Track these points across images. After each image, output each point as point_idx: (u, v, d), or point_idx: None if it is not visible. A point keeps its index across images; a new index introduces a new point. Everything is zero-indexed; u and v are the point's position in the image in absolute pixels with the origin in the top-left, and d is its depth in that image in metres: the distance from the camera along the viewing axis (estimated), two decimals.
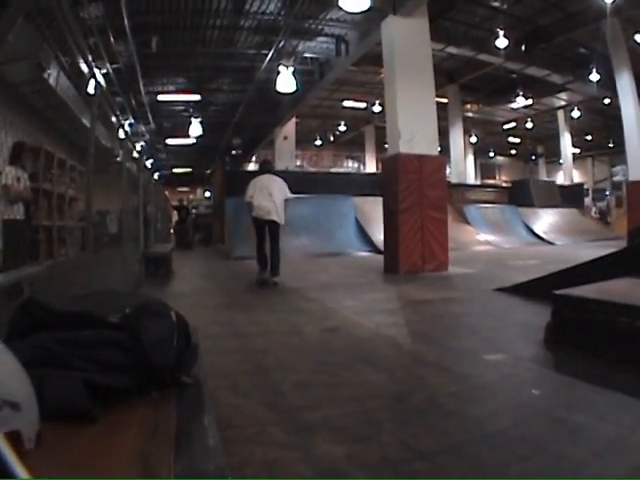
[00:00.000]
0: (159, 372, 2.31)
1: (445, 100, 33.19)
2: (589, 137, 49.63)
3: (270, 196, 12.59)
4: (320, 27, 22.16)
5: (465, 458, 3.62)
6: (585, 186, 47.20)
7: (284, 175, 14.30)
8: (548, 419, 4.25)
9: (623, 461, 3.49)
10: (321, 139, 51.37)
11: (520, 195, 31.33)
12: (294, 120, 34.34)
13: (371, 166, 47.78)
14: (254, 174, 13.35)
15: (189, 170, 56.14)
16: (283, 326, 7.90)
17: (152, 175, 25.81)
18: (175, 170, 54.39)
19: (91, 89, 8.15)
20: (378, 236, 18.60)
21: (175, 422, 2.07)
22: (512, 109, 38.55)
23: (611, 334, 5.71)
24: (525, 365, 5.56)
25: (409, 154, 14.44)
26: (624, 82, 25.14)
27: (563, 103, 39.26)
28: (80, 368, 2.11)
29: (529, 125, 44.31)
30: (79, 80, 15.61)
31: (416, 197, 14.40)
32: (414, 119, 14.75)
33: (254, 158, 48.86)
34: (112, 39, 18.59)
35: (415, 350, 6.44)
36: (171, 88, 29.36)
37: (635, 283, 7.11)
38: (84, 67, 7.53)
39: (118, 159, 11.12)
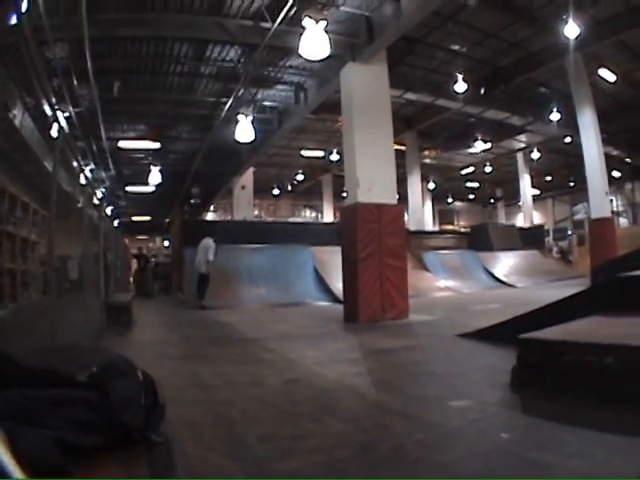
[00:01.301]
0: (128, 431, 2.29)
1: (403, 147, 33.46)
2: (549, 177, 50.48)
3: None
4: (279, 75, 22.42)
5: None
6: (546, 226, 47.78)
7: (243, 226, 14.43)
8: (518, 461, 4.23)
9: None
10: (279, 188, 51.66)
11: (479, 240, 31.55)
12: (252, 169, 34.26)
13: (329, 215, 48.12)
14: (213, 224, 13.47)
15: (148, 218, 56.17)
16: (245, 377, 7.81)
17: (112, 222, 25.81)
18: (134, 218, 54.35)
19: (54, 132, 8.17)
20: (337, 285, 18.56)
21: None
22: (470, 154, 39.03)
23: (579, 374, 5.71)
24: (492, 409, 5.54)
25: (368, 203, 14.44)
26: (586, 118, 25.54)
27: (522, 145, 39.88)
28: (51, 426, 2.10)
29: (488, 169, 44.98)
30: (42, 122, 15.60)
31: (375, 246, 14.40)
32: (372, 167, 14.80)
33: (212, 207, 49.09)
34: (75, 81, 18.46)
35: (379, 399, 6.40)
36: (131, 134, 29.34)
37: (600, 321, 7.15)
38: (47, 109, 7.59)
39: (79, 205, 11.07)
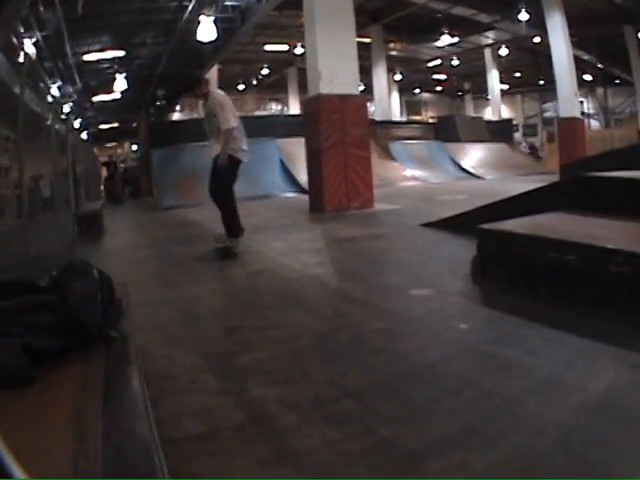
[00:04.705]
0: (87, 329, 2.39)
1: (368, 40, 33.05)
2: (518, 74, 50.11)
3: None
4: None
5: (394, 394, 3.63)
6: (515, 122, 47.64)
7: None
8: (477, 354, 4.27)
9: (560, 400, 3.48)
10: (244, 83, 51.25)
11: (446, 131, 31.34)
12: (217, 67, 33.85)
13: (295, 108, 47.73)
14: (179, 124, 12.90)
15: (116, 125, 55.54)
16: (210, 274, 7.89)
17: (80, 134, 25.52)
18: (102, 126, 53.73)
19: (21, 59, 8.22)
20: (303, 177, 18.45)
21: (103, 375, 2.18)
22: (437, 47, 38.56)
23: (540, 268, 5.73)
24: (452, 299, 5.56)
25: (330, 94, 14.29)
26: (555, 21, 25.52)
27: (490, 41, 39.41)
28: (17, 334, 2.22)
29: (455, 62, 44.40)
30: (12, 53, 15.40)
31: (338, 136, 14.29)
32: (334, 60, 14.58)
33: (178, 107, 48.64)
34: (42, 9, 18.23)
35: (341, 288, 6.47)
36: (97, 47, 28.77)
37: (564, 217, 7.14)
38: (14, 40, 7.60)
39: (48, 123, 11.01)
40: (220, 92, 9.71)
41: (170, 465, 1.84)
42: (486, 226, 6.51)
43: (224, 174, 9.25)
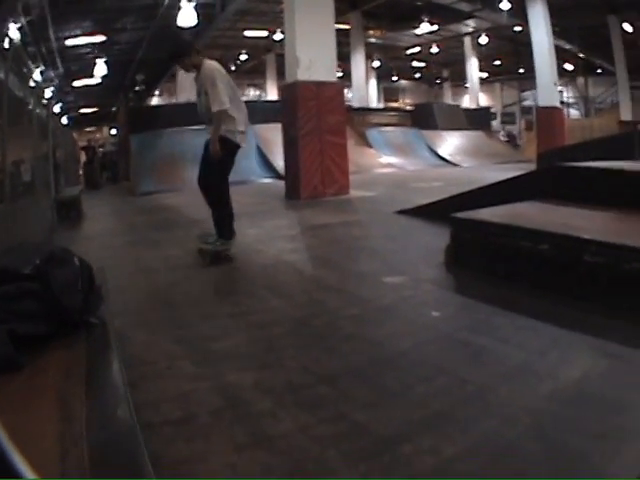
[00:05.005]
0: (69, 315, 2.50)
1: (347, 27, 33.01)
2: (498, 62, 50.12)
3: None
4: None
5: (367, 380, 3.68)
6: (494, 110, 47.72)
7: (187, 108, 14.11)
8: (450, 341, 4.33)
9: (533, 387, 3.52)
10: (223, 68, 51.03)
11: (423, 118, 31.14)
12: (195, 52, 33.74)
13: (272, 93, 47.64)
14: (157, 109, 12.66)
15: (95, 109, 55.33)
16: (188, 259, 7.90)
17: (61, 119, 25.45)
18: (82, 111, 53.50)
19: (6, 44, 8.21)
20: (280, 162, 18.41)
21: (85, 361, 2.31)
22: (416, 35, 38.48)
23: (514, 258, 5.77)
24: (425, 287, 5.61)
25: (307, 81, 14.28)
26: (536, 10, 25.61)
27: (470, 30, 39.32)
28: (2, 320, 2.30)
29: (434, 50, 44.29)
30: None
31: (315, 123, 14.29)
32: (312, 46, 14.58)
33: (157, 92, 48.56)
34: None
35: (316, 275, 6.52)
36: (78, 32, 28.64)
37: (539, 207, 7.17)
38: None
39: (30, 107, 11.00)
40: (213, 63, 7.80)
41: (149, 449, 1.88)
42: (459, 215, 6.55)
43: (218, 162, 7.62)
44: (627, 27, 31.57)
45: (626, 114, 35.06)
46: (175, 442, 2.97)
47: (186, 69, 8.18)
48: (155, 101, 48.58)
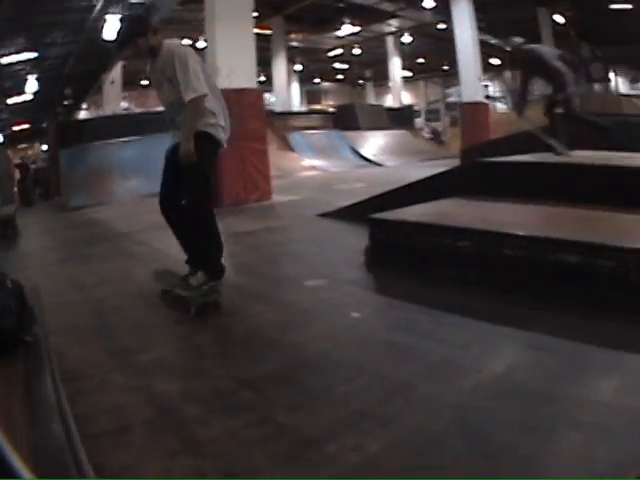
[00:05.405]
0: (6, 335, 2.69)
1: (269, 32, 33.00)
2: (422, 60, 50.39)
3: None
4: None
5: (290, 383, 3.80)
6: (417, 107, 48.01)
7: (113, 120, 13.99)
8: (370, 341, 4.46)
9: (456, 382, 3.59)
10: (147, 79, 50.92)
11: (346, 119, 31.19)
12: (121, 63, 33.63)
13: None
14: (85, 122, 12.41)
15: (27, 126, 54.89)
16: (117, 273, 7.89)
17: None
18: (16, 128, 53.06)
19: None
20: None
21: (23, 378, 2.48)
22: (338, 37, 38.55)
23: (434, 256, 5.84)
24: (346, 289, 5.69)
25: (227, 89, 14.22)
26: (460, 7, 25.76)
27: (393, 29, 39.27)
28: None
29: (357, 51, 44.35)
30: None
31: (235, 130, 14.28)
32: (233, 54, 14.68)
33: (84, 105, 48.33)
34: None
35: (237, 282, 6.59)
36: (12, 50, 28.42)
37: (461, 203, 7.26)
38: None
39: None
40: (176, 42, 6.20)
41: (93, 460, 1.90)
42: (376, 215, 6.64)
43: (199, 169, 5.69)
44: (559, 19, 31.88)
45: None
46: (115, 452, 3.03)
47: (140, 53, 6.39)
48: (83, 115, 48.33)
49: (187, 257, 6.32)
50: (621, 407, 3.24)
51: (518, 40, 11.13)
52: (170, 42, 6.01)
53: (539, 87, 13.17)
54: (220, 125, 6.14)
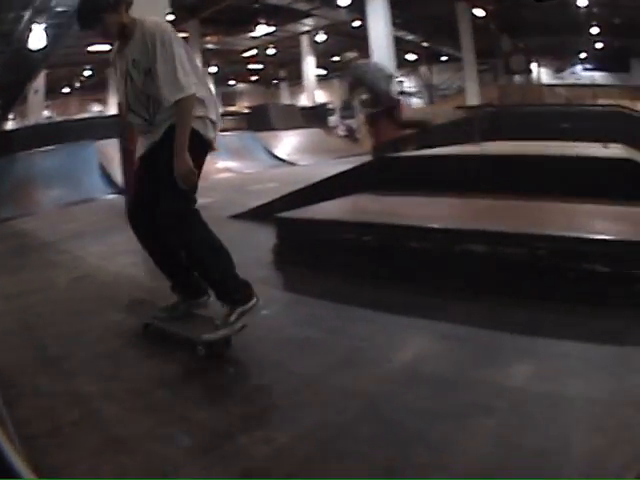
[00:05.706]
0: None
1: (186, 35, 32.81)
2: (337, 58, 50.38)
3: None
4: None
5: (201, 381, 4.02)
6: (332, 105, 47.97)
7: (36, 130, 13.78)
8: (278, 337, 4.66)
9: (364, 373, 3.78)
10: (69, 86, 50.31)
11: (259, 120, 31.12)
12: (44, 72, 33.17)
13: (114, 108, 47.11)
14: (11, 133, 12.07)
15: None
16: (39, 282, 7.76)
17: None
18: None
19: None
20: (120, 178, 18.39)
21: None
22: (253, 37, 38.46)
23: (339, 252, 5.97)
24: (255, 287, 5.71)
25: None
26: (375, 4, 25.69)
27: (308, 28, 39.24)
28: None
29: (271, 51, 44.36)
30: None
31: None
32: None
33: (11, 116, 47.71)
34: None
35: (153, 286, 6.55)
36: None
37: (368, 199, 7.40)
38: None
39: None
40: (154, 19, 4.92)
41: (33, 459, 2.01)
42: (283, 214, 6.81)
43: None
44: (479, 12, 32.12)
45: (472, 99, 35.76)
46: (50, 452, 3.14)
47: (107, 35, 4.89)
48: (10, 125, 47.71)
49: (171, 283, 5.16)
50: (537, 393, 3.41)
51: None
52: (148, 20, 4.72)
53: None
54: (209, 119, 4.85)
